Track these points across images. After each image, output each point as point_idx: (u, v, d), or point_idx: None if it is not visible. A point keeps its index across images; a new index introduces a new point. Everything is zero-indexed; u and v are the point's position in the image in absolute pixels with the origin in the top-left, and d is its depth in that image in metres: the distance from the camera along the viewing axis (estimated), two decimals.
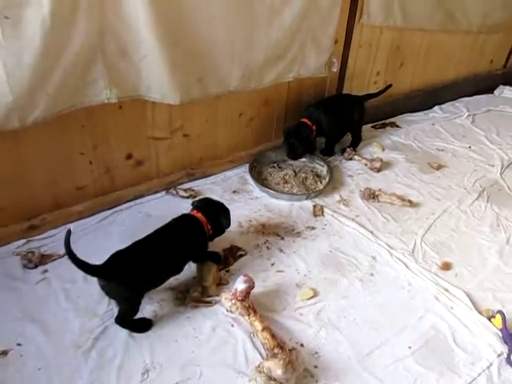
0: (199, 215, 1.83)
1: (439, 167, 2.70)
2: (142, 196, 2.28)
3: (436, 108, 3.37)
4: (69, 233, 1.54)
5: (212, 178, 2.47)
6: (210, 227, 1.83)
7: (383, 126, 3.10)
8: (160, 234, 1.75)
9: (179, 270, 1.79)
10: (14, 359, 1.56)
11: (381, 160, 2.63)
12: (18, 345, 1.60)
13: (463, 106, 3.44)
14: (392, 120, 3.16)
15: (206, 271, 1.84)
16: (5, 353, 1.58)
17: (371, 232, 2.19)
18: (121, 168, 2.19)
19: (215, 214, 1.88)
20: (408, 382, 1.59)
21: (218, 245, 2.01)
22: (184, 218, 1.84)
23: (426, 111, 3.33)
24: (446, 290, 1.92)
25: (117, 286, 1.61)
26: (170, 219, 1.82)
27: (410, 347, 1.70)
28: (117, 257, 1.63)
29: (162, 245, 1.73)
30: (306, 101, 2.70)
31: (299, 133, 2.48)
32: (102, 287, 1.62)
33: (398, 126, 3.11)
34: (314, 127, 2.50)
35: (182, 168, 2.40)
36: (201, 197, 1.95)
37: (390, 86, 2.88)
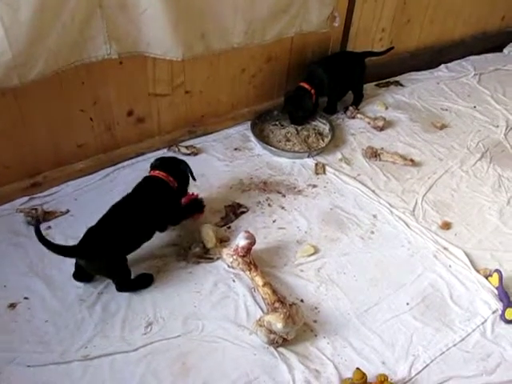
0: (161, 174, 1.80)
1: (442, 127, 2.68)
2: (143, 153, 2.27)
3: (442, 67, 3.29)
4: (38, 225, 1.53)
5: (214, 135, 2.46)
6: (174, 183, 1.80)
7: (387, 84, 3.04)
8: (128, 202, 1.73)
9: (156, 231, 1.78)
10: (22, 311, 1.61)
11: (384, 119, 2.60)
12: (25, 298, 1.64)
13: (470, 64, 3.35)
14: (396, 79, 3.10)
15: (205, 234, 1.84)
16: (13, 305, 1.62)
17: (372, 191, 2.20)
18: (122, 125, 2.18)
19: (174, 167, 1.84)
20: (405, 336, 1.63)
21: (219, 202, 2.03)
22: (147, 180, 1.81)
23: (431, 70, 3.25)
24: (446, 248, 1.94)
25: (97, 262, 1.62)
26: (134, 185, 1.80)
27: (407, 303, 1.73)
28: (91, 233, 1.62)
29: (133, 212, 1.70)
30: (309, 58, 2.64)
31: (298, 100, 2.46)
32: (85, 267, 1.63)
33: (402, 85, 3.05)
34: (312, 91, 2.46)
35: (183, 125, 2.38)
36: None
37: (393, 47, 2.81)
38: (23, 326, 1.57)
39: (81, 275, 1.69)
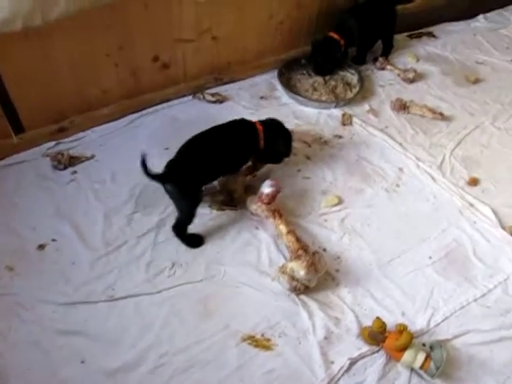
0: (258, 125, 1.80)
1: (476, 81, 2.57)
2: (168, 100, 2.25)
3: (480, 17, 3.09)
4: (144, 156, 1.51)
5: (240, 83, 2.41)
6: (263, 142, 1.80)
7: (419, 35, 2.91)
8: (216, 133, 1.74)
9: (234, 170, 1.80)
10: (50, 253, 1.65)
11: (414, 71, 2.51)
12: (53, 240, 1.69)
13: (511, 14, 3.15)
14: (430, 29, 2.95)
15: (232, 183, 1.83)
16: (42, 247, 1.67)
17: (400, 144, 2.15)
18: (147, 71, 2.15)
19: (274, 133, 1.84)
20: (426, 289, 1.64)
21: None
22: (241, 121, 1.82)
23: (468, 20, 3.07)
24: (472, 204, 1.91)
25: (177, 188, 1.62)
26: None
27: (430, 257, 1.73)
28: (177, 160, 1.64)
29: (219, 143, 1.72)
30: (339, 6, 2.53)
31: (326, 50, 2.38)
32: (167, 191, 1.64)
33: (435, 36, 2.91)
34: (342, 42, 2.37)
35: (209, 72, 2.34)
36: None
37: None
38: (52, 266, 1.61)
39: None
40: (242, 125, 1.81)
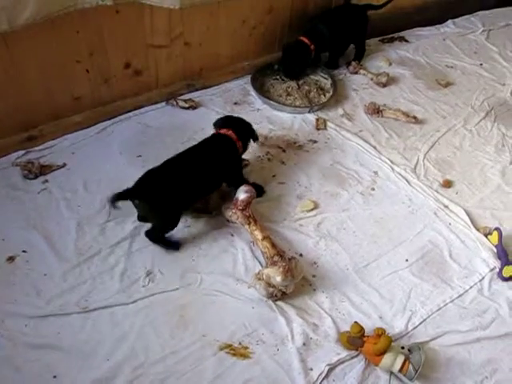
0: (230, 133, 1.78)
1: (447, 84, 2.61)
2: (141, 107, 2.22)
3: (449, 22, 3.16)
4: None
5: (213, 88, 2.40)
6: (240, 145, 1.80)
7: (391, 40, 2.95)
8: (192, 154, 1.72)
9: (212, 190, 1.78)
10: (21, 265, 1.60)
11: (387, 75, 2.54)
12: (24, 251, 1.64)
13: (479, 20, 3.22)
14: (401, 34, 3.00)
15: None
16: (12, 258, 1.61)
17: (374, 147, 2.16)
18: (119, 77, 2.12)
19: (243, 130, 1.83)
20: (403, 291, 1.64)
21: None
22: (216, 137, 1.80)
23: (438, 26, 3.14)
24: (446, 206, 1.93)
25: (151, 204, 1.60)
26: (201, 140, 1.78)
27: (406, 260, 1.74)
28: (148, 176, 1.60)
29: (195, 164, 1.70)
30: (311, 10, 2.56)
31: (296, 53, 2.39)
32: (137, 206, 1.62)
33: (406, 41, 2.96)
34: (312, 46, 2.39)
35: (182, 78, 2.33)
36: (222, 115, 1.90)
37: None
38: (22, 278, 1.57)
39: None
40: (219, 142, 1.79)
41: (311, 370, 1.42)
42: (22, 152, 1.96)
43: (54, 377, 1.36)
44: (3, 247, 1.64)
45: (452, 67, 2.77)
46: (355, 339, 1.44)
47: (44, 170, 1.90)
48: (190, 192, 1.68)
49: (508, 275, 1.69)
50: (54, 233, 1.70)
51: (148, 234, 1.67)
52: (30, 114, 1.97)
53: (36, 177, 1.87)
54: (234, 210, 1.70)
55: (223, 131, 1.80)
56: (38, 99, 1.96)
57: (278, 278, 1.49)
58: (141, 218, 1.71)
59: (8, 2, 1.57)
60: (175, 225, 1.66)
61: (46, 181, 1.87)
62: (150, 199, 1.59)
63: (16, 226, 1.71)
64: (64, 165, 1.94)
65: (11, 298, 1.51)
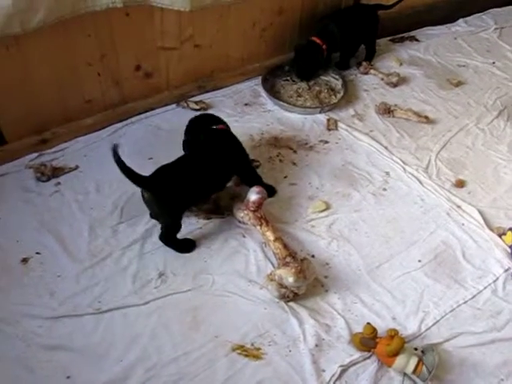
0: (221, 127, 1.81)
1: (459, 84, 2.59)
2: (152, 109, 2.23)
3: (460, 21, 3.13)
4: (116, 146, 1.48)
5: (223, 90, 2.40)
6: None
7: (402, 39, 2.93)
8: (201, 152, 1.74)
9: (222, 187, 1.80)
10: (34, 266, 1.62)
11: (398, 75, 2.52)
12: (37, 253, 1.65)
13: (491, 18, 3.17)
14: (412, 34, 2.98)
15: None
16: (26, 260, 1.63)
17: (385, 147, 2.15)
18: (130, 80, 2.13)
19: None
20: (416, 292, 1.63)
21: None
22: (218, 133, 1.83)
23: (449, 24, 3.11)
24: (459, 206, 1.91)
25: (160, 199, 1.60)
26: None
27: (419, 260, 1.72)
28: (162, 170, 1.62)
29: (204, 162, 1.71)
30: (321, 11, 2.54)
31: (308, 54, 2.38)
32: (147, 200, 1.62)
33: (417, 40, 2.94)
34: (324, 46, 2.38)
35: (192, 80, 2.33)
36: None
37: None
38: (36, 280, 1.58)
39: None
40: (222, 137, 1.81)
41: (324, 371, 1.41)
42: (35, 155, 1.98)
43: (68, 377, 1.37)
44: (17, 249, 1.66)
45: (464, 66, 2.74)
46: (368, 340, 1.43)
47: (56, 172, 1.91)
48: (200, 189, 1.70)
49: None
50: (67, 235, 1.71)
51: (161, 237, 1.67)
52: (42, 117, 1.99)
53: (49, 179, 1.89)
54: (245, 211, 1.71)
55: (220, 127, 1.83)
56: (51, 102, 1.97)
57: (291, 279, 1.48)
58: (152, 215, 1.73)
59: (21, 5, 1.58)
60: (179, 219, 1.66)
61: (59, 183, 1.89)
62: (159, 193, 1.59)
63: (29, 227, 1.72)
64: (76, 167, 1.95)
65: (25, 300, 1.52)
